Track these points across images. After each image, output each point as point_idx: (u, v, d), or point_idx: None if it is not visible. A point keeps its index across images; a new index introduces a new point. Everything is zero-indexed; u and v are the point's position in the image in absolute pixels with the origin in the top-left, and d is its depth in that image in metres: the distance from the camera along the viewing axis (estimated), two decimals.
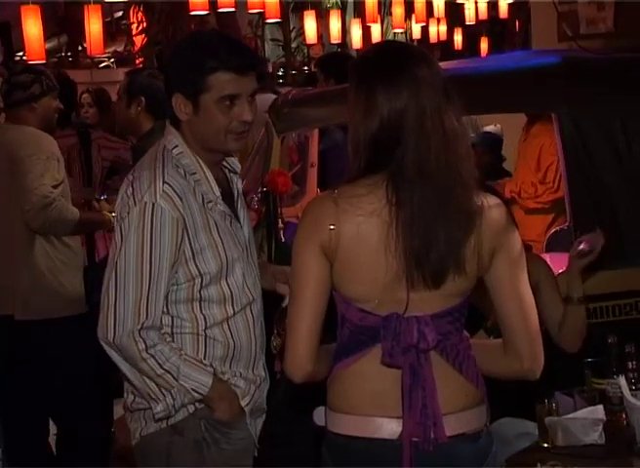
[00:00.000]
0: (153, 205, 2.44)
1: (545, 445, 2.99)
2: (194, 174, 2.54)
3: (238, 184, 2.70)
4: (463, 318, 2.23)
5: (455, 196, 2.12)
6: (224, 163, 2.67)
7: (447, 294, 2.16)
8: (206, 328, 2.54)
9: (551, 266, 3.97)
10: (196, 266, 2.50)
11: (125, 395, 2.61)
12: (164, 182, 2.47)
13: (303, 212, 2.25)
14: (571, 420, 3.00)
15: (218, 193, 2.57)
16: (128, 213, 2.45)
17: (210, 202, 2.55)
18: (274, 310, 2.81)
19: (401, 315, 2.15)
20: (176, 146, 2.54)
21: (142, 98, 4.13)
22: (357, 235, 2.13)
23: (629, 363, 3.16)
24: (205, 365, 2.53)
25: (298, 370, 2.21)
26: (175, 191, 2.47)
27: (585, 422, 2.98)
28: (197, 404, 2.52)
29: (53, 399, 4.01)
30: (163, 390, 2.46)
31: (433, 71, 2.15)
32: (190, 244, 2.48)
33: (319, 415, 2.28)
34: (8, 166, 3.94)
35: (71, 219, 3.88)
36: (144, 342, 2.43)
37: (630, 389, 3.01)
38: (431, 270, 2.12)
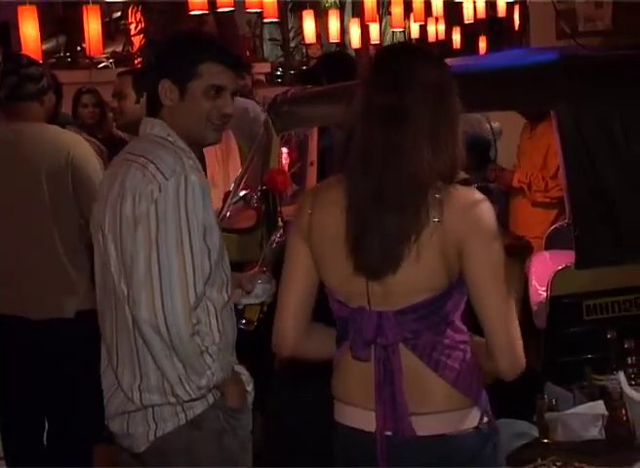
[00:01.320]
0: (186, 177, 2.44)
1: (546, 440, 3.00)
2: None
3: None
4: (437, 316, 2.15)
5: (396, 192, 2.09)
6: None
7: (408, 290, 2.13)
8: (217, 311, 2.54)
9: (550, 263, 4.01)
10: (206, 243, 2.49)
11: (126, 395, 2.54)
12: (187, 157, 2.51)
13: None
14: (571, 416, 3.01)
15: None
16: (160, 189, 2.42)
17: None
18: None
19: (367, 309, 2.17)
20: (168, 135, 2.57)
21: None
22: (322, 223, 2.19)
23: (629, 358, 3.18)
24: None
25: (282, 343, 2.30)
26: (197, 166, 2.52)
27: (585, 418, 2.99)
28: (215, 393, 2.53)
29: (51, 396, 3.98)
30: (193, 375, 2.44)
31: (412, 69, 2.14)
32: (205, 220, 2.49)
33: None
34: (61, 167, 3.78)
35: None
36: (195, 319, 2.44)
37: (630, 384, 3.03)
38: (365, 258, 2.12)
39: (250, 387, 2.63)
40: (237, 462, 2.58)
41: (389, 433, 2.15)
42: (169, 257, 2.41)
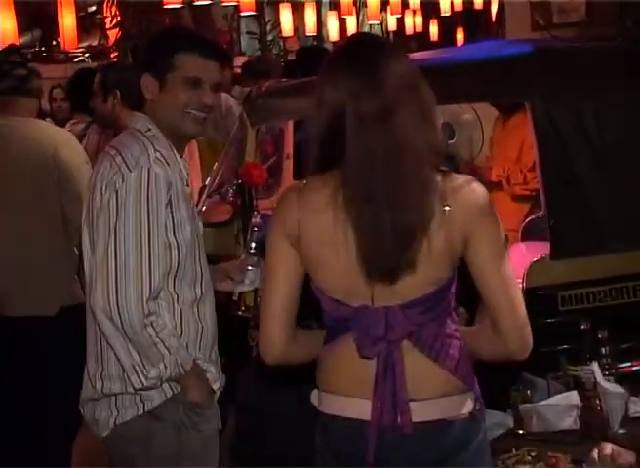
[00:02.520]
0: (149, 169, 2.48)
1: (520, 431, 3.01)
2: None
3: None
4: (440, 307, 2.17)
5: (402, 190, 2.07)
6: None
7: (414, 285, 2.13)
8: (181, 307, 2.56)
9: (527, 254, 4.02)
10: (175, 237, 2.52)
11: (91, 383, 2.59)
12: (155, 150, 2.53)
13: (277, 201, 2.30)
14: (545, 407, 3.03)
15: (186, 174, 2.64)
16: (123, 179, 2.47)
17: (184, 179, 2.62)
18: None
19: (370, 306, 2.15)
20: (149, 129, 2.60)
21: (117, 92, 4.34)
22: (314, 226, 2.14)
23: (602, 349, 3.19)
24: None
25: (269, 351, 2.24)
26: (165, 159, 2.54)
27: (560, 408, 3.00)
28: (174, 387, 2.54)
29: (36, 393, 3.93)
30: (147, 364, 2.47)
31: (385, 64, 2.11)
32: (172, 214, 2.51)
33: (315, 396, 2.29)
34: (47, 163, 3.73)
35: None
36: (149, 309, 2.45)
37: (603, 375, 3.05)
38: (382, 268, 2.10)
39: (216, 386, 2.63)
40: (198, 459, 2.59)
41: (386, 426, 2.13)
42: (126, 248, 2.44)
